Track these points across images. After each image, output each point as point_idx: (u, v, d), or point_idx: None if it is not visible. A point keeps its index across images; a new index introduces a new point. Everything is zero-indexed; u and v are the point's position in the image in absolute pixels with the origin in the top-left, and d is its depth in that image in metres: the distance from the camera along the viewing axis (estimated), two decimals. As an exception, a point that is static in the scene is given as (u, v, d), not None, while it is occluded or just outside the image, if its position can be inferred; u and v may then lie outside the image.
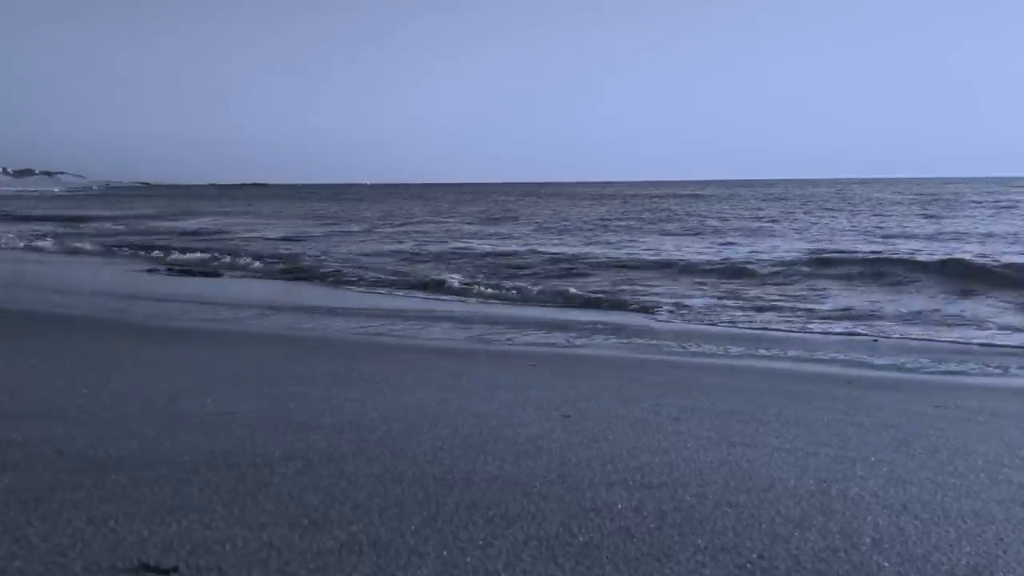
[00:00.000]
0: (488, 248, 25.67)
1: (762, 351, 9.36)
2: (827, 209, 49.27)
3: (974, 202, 52.63)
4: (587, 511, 3.23)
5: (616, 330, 11.00)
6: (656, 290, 16.12)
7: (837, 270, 18.77)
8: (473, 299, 15.15)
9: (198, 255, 22.92)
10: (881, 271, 18.31)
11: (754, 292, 15.89)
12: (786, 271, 18.87)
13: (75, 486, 3.28)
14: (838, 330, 11.49)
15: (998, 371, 8.29)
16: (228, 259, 22.22)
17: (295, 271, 19.68)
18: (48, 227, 36.37)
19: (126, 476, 3.44)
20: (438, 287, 16.49)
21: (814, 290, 16.16)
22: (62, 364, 6.35)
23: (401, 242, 28.92)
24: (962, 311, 13.31)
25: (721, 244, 26.86)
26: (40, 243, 27.26)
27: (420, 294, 15.75)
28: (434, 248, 26.11)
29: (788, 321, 12.36)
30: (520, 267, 20.62)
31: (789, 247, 24.67)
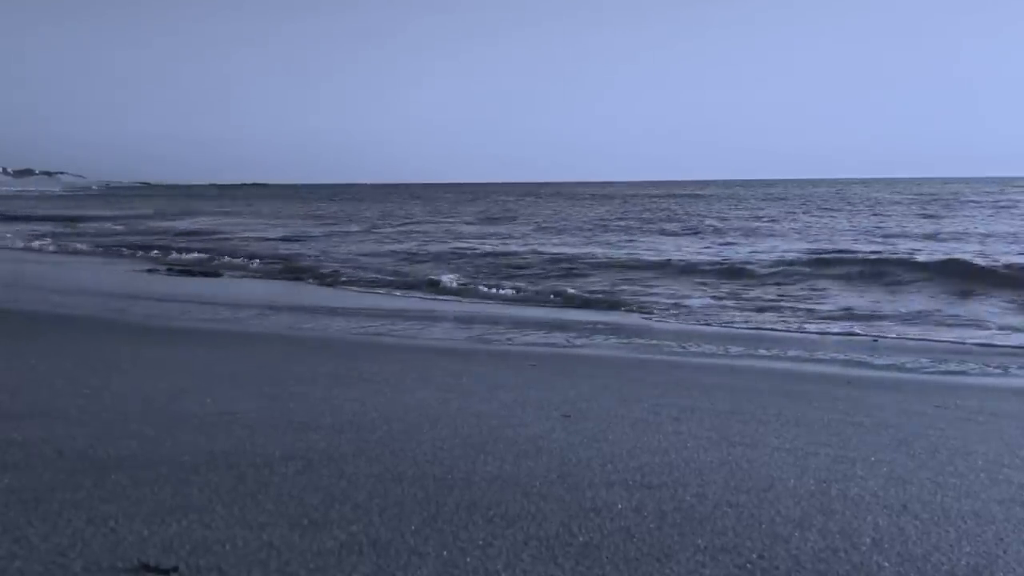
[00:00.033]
0: (488, 248, 25.68)
1: (762, 351, 9.36)
2: (827, 209, 49.29)
3: (973, 202, 52.65)
4: (587, 511, 3.23)
5: (616, 330, 11.00)
6: (656, 290, 16.12)
7: (837, 270, 18.77)
8: (470, 299, 15.13)
9: (195, 255, 22.91)
10: (881, 271, 18.31)
11: (754, 292, 15.90)
12: (786, 271, 18.87)
13: (75, 486, 3.28)
14: (838, 330, 11.48)
15: (998, 371, 8.29)
16: (226, 259, 22.21)
17: (293, 271, 19.66)
18: (47, 227, 36.39)
19: (126, 476, 3.44)
20: (434, 287, 16.47)
21: (814, 290, 16.16)
22: (62, 364, 6.35)
23: (401, 242, 28.93)
24: (962, 311, 13.31)
25: (721, 244, 26.86)
26: (39, 243, 27.27)
27: (417, 294, 15.74)
28: (433, 248, 26.11)
29: (788, 321, 12.36)
30: (520, 267, 20.62)
31: (789, 247, 24.68)
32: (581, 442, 4.35)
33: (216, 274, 18.94)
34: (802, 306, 14.01)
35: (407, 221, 43.34)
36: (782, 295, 15.46)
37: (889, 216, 40.56)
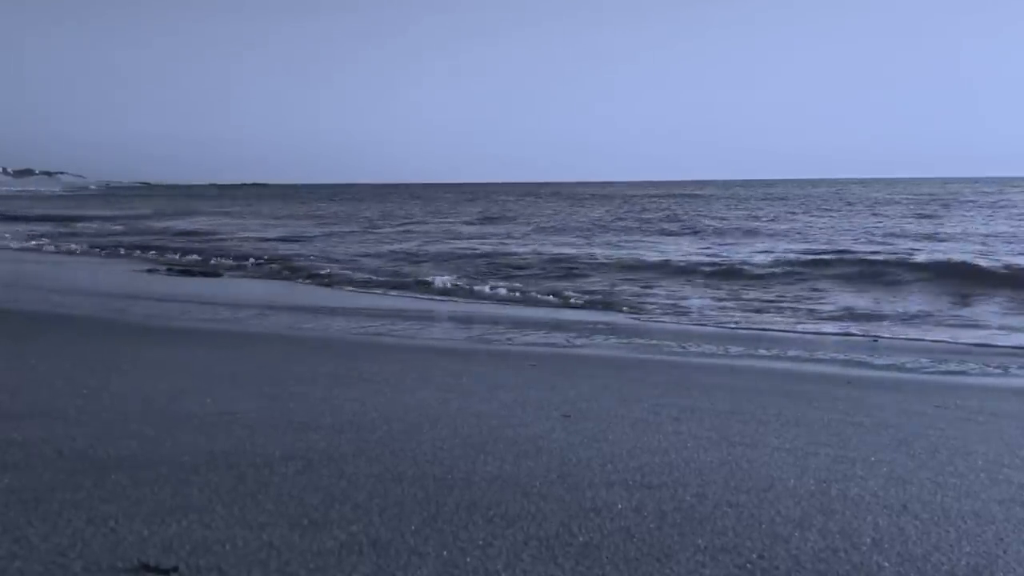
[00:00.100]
0: (487, 248, 25.68)
1: (762, 351, 9.36)
2: (826, 209, 49.30)
3: (973, 202, 52.67)
4: (587, 511, 3.23)
5: (616, 330, 11.00)
6: (656, 290, 16.12)
7: (836, 270, 18.78)
8: (468, 300, 15.10)
9: (193, 257, 22.88)
10: (880, 271, 18.32)
11: (753, 292, 15.90)
12: (785, 271, 18.87)
13: (75, 486, 3.28)
14: (838, 330, 11.49)
15: (998, 371, 8.29)
16: (222, 260, 22.16)
17: (290, 271, 19.63)
18: (46, 227, 36.39)
19: (126, 476, 3.44)
20: (431, 288, 16.45)
21: (814, 290, 16.16)
22: (62, 364, 6.35)
23: (400, 242, 28.92)
24: (962, 312, 13.32)
25: (720, 244, 26.87)
26: (37, 243, 27.27)
27: (415, 295, 15.71)
28: (433, 248, 26.11)
29: (788, 321, 12.36)
30: (519, 267, 20.62)
31: (789, 247, 24.69)
32: (581, 442, 4.35)
33: (216, 274, 18.94)
34: (802, 306, 14.01)
35: (407, 221, 43.34)
36: (782, 295, 15.46)
37: (888, 216, 40.58)
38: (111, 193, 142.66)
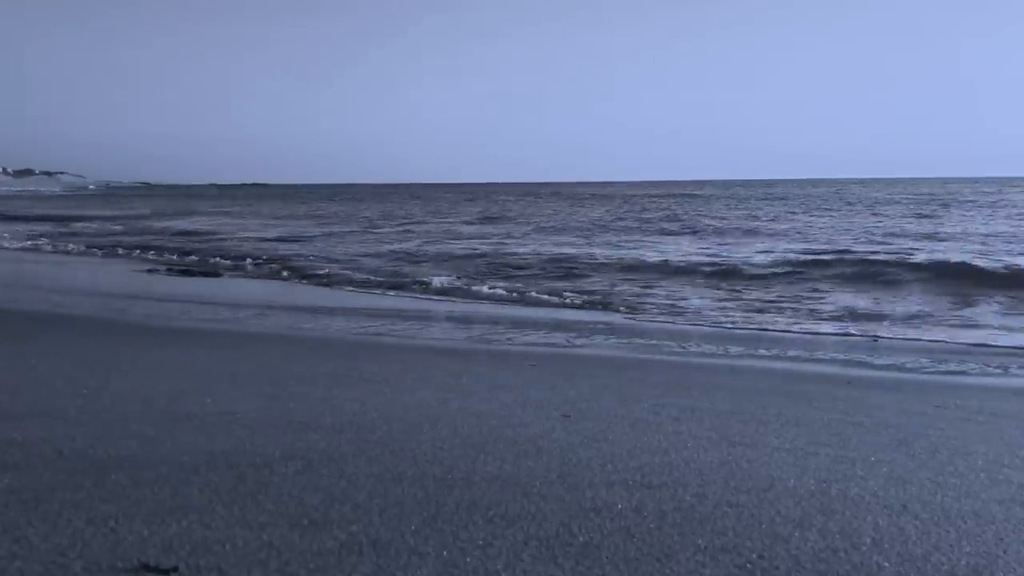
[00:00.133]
0: (487, 248, 25.67)
1: (762, 351, 9.36)
2: (826, 209, 49.30)
3: (973, 202, 52.68)
4: (587, 511, 3.23)
5: (616, 330, 11.00)
6: (655, 290, 16.12)
7: (836, 270, 18.79)
8: (467, 300, 15.09)
9: (192, 258, 22.87)
10: (880, 271, 18.33)
11: (753, 292, 15.90)
12: (785, 271, 18.87)
13: (75, 486, 3.28)
14: (838, 330, 11.49)
15: (998, 371, 8.29)
16: (219, 260, 22.14)
17: (289, 272, 19.61)
18: (45, 227, 36.38)
19: (126, 476, 3.44)
20: (430, 288, 16.44)
21: (814, 290, 16.16)
22: (62, 364, 6.35)
23: (400, 242, 28.92)
24: (961, 312, 13.31)
25: (720, 244, 26.87)
26: (35, 243, 27.26)
27: (415, 295, 15.71)
28: (432, 248, 26.11)
29: (788, 321, 12.36)
30: (519, 267, 20.61)
31: (788, 247, 24.69)
32: (581, 442, 4.35)
33: (216, 274, 18.94)
34: (802, 306, 14.01)
35: (406, 221, 43.33)
36: (782, 295, 15.46)
37: (888, 216, 40.59)
38: (111, 193, 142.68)
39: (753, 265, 19.94)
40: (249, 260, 21.80)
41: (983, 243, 25.11)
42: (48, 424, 4.30)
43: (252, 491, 3.31)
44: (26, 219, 44.34)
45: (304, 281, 17.97)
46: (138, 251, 24.53)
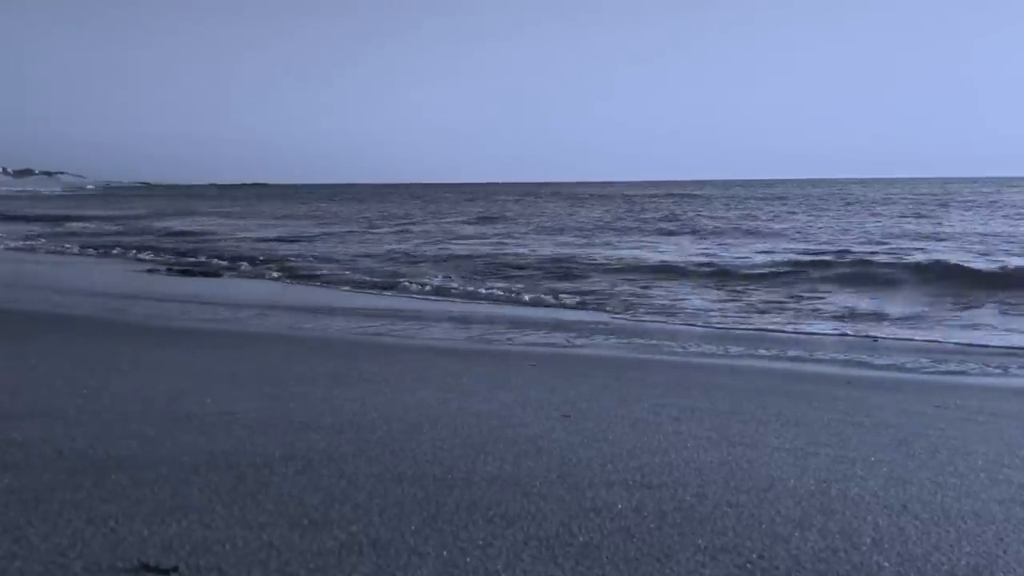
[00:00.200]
0: (487, 248, 25.67)
1: (762, 351, 9.36)
2: (826, 209, 49.32)
3: (972, 202, 52.70)
4: (587, 511, 3.23)
5: (616, 330, 11.00)
6: (655, 290, 16.12)
7: (836, 271, 18.78)
8: (466, 300, 15.06)
9: (191, 258, 22.85)
10: (880, 272, 18.33)
11: (753, 292, 15.89)
12: (785, 272, 18.86)
13: (75, 486, 3.28)
14: (838, 330, 11.48)
15: (998, 371, 8.29)
16: (221, 260, 22.12)
17: (289, 272, 19.58)
18: (44, 227, 36.37)
19: (126, 476, 3.44)
20: (428, 288, 16.41)
21: (813, 290, 16.16)
22: (62, 365, 6.35)
23: (399, 242, 28.92)
24: (961, 312, 13.32)
25: (720, 244, 26.87)
26: (34, 243, 27.25)
27: (412, 295, 15.70)
28: (432, 248, 26.10)
29: (788, 321, 12.36)
30: (519, 267, 20.60)
31: (788, 247, 24.69)
32: (581, 442, 4.35)
33: (216, 274, 18.94)
34: (802, 306, 14.01)
35: (406, 221, 43.34)
36: (781, 295, 15.45)
37: (888, 216, 40.61)
38: (111, 193, 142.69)
39: (752, 265, 19.94)
40: (249, 261, 21.78)
41: (982, 243, 25.12)
42: (48, 424, 4.30)
43: (252, 491, 3.31)
44: (26, 219, 44.34)
45: (307, 281, 17.96)
46: (134, 251, 24.48)
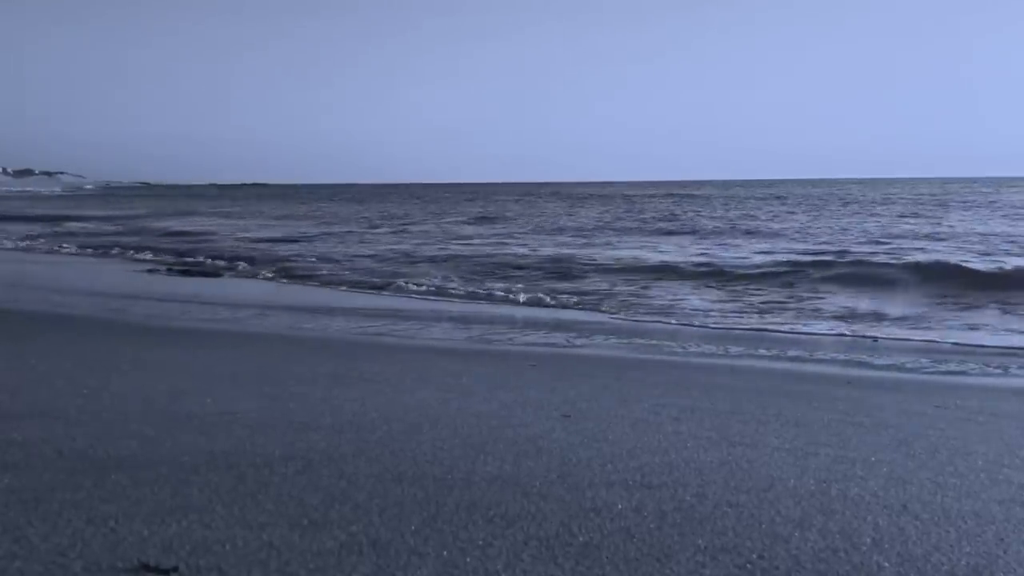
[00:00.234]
0: (486, 248, 25.66)
1: (762, 351, 9.36)
2: (826, 209, 49.32)
3: (971, 202, 52.72)
4: (587, 511, 3.23)
5: (616, 330, 11.01)
6: (654, 290, 16.12)
7: (836, 271, 18.77)
8: (466, 300, 15.05)
9: (190, 259, 22.83)
10: (879, 272, 18.32)
11: (753, 293, 15.89)
12: (785, 272, 18.85)
13: (75, 486, 3.28)
14: (838, 330, 11.48)
15: (998, 371, 8.29)
16: (221, 260, 22.10)
17: (288, 272, 19.57)
18: (44, 228, 36.35)
19: (126, 476, 3.44)
20: (427, 288, 16.39)
21: (813, 290, 16.16)
22: (62, 364, 6.35)
23: (399, 242, 28.92)
24: (960, 312, 13.31)
25: (720, 244, 26.87)
26: (33, 243, 27.25)
27: (411, 295, 15.69)
28: (432, 248, 26.09)
29: (788, 321, 12.36)
30: (518, 267, 20.60)
31: (788, 247, 24.69)
32: (581, 442, 4.35)
33: (216, 274, 18.94)
34: (802, 306, 14.01)
35: (406, 221, 43.34)
36: (781, 295, 15.45)
37: (887, 216, 40.61)
38: (110, 193, 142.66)
39: (752, 265, 19.94)
40: (249, 261, 21.77)
41: (982, 243, 25.13)
42: (48, 424, 4.30)
43: (252, 491, 3.31)
44: (25, 219, 44.33)
45: (302, 282, 17.95)
46: (133, 251, 24.48)
